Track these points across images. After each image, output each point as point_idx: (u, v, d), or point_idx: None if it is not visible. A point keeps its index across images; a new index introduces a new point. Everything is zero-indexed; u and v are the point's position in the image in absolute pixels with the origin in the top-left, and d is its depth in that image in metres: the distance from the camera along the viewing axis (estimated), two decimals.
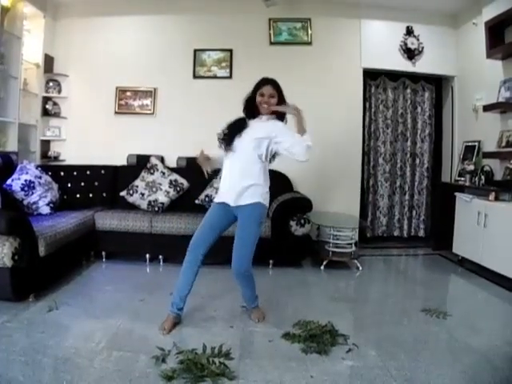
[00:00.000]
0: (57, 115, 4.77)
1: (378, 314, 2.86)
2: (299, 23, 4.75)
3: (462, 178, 4.46)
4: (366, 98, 5.01)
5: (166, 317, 2.49)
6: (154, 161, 4.37)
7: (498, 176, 4.06)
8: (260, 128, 2.48)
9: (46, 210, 3.67)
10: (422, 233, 5.26)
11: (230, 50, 4.72)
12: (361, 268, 3.93)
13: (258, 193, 2.47)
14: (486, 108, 4.14)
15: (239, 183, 2.45)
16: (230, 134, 2.51)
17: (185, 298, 2.51)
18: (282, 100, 2.52)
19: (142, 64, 4.77)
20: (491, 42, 4.06)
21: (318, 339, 2.33)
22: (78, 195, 4.24)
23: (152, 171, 4.28)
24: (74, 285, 3.22)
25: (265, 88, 2.47)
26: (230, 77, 4.71)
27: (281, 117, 2.56)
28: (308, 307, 2.90)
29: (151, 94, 4.77)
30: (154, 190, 4.14)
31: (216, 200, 2.59)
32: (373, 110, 5.08)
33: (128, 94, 4.79)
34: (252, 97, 2.53)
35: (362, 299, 3.25)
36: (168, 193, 4.14)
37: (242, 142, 2.46)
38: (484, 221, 3.74)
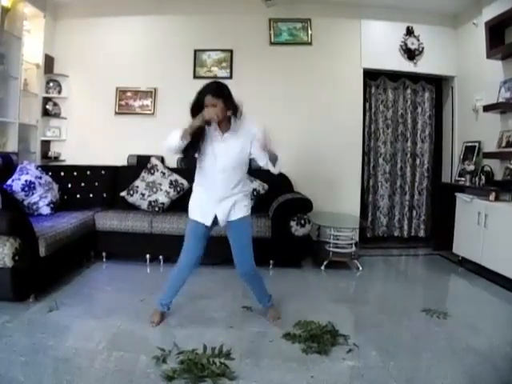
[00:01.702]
0: (57, 115, 4.77)
1: (379, 314, 2.85)
2: (299, 23, 4.75)
3: (463, 179, 4.46)
4: (366, 99, 5.01)
5: (153, 311, 2.59)
6: (154, 161, 4.37)
7: (499, 176, 4.05)
8: (235, 144, 2.38)
9: (46, 210, 3.67)
10: (422, 233, 5.26)
11: (231, 51, 4.72)
12: (361, 268, 3.92)
13: (243, 204, 2.47)
14: (486, 108, 4.14)
15: (226, 204, 2.42)
16: (193, 144, 2.37)
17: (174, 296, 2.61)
18: (229, 102, 2.32)
19: (143, 64, 4.77)
20: (491, 42, 4.06)
21: (319, 339, 2.33)
22: (78, 195, 4.25)
23: (152, 171, 4.28)
24: (75, 285, 3.22)
25: (206, 99, 2.28)
26: (231, 77, 4.69)
27: (234, 112, 2.37)
28: (308, 307, 2.90)
29: (151, 94, 4.77)
30: (155, 190, 4.13)
31: (197, 218, 2.45)
32: (373, 110, 5.08)
33: (128, 94, 4.80)
34: (198, 103, 2.32)
35: (362, 299, 3.24)
36: (168, 193, 4.14)
37: (222, 159, 2.36)
38: (484, 221, 3.74)
